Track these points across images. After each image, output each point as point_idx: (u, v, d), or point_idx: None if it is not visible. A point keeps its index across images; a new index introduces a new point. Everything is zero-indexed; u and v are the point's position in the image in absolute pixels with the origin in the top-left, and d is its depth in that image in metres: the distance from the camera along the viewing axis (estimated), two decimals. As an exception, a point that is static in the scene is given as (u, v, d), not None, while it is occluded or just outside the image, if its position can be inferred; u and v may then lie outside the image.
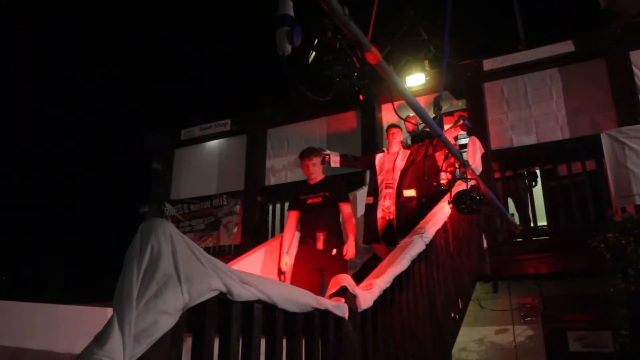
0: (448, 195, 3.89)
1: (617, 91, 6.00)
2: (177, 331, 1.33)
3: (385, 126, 7.01)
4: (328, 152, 5.67)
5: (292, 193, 5.30)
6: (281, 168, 8.02)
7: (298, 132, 7.94)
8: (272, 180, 8.02)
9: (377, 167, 5.48)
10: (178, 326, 1.33)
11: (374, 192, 5.40)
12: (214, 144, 8.84)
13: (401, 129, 5.65)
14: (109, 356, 1.13)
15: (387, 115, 7.18)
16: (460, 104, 7.31)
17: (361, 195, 6.01)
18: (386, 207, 5.26)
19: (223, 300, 1.55)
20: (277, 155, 8.16)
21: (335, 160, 5.69)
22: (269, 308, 1.77)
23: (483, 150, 5.93)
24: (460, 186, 3.66)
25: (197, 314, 1.45)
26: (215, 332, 1.54)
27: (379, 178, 5.41)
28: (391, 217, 5.21)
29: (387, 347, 2.78)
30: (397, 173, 5.31)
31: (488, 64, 6.71)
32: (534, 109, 6.52)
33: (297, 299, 1.92)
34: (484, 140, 6.30)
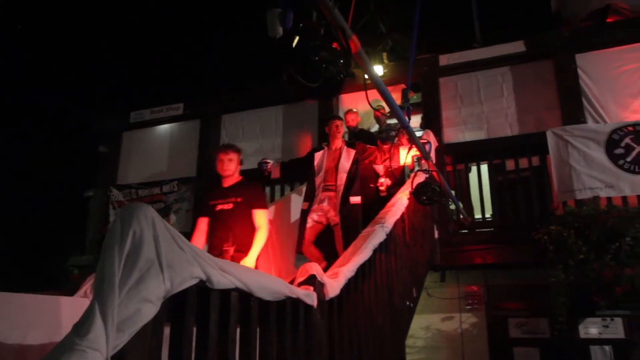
0: (407, 185, 3.95)
1: (563, 92, 6.29)
2: (158, 320, 1.27)
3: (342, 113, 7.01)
4: (271, 162, 5.31)
5: (202, 198, 4.82)
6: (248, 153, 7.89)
7: (254, 120, 7.82)
8: (245, 164, 7.88)
9: (316, 167, 5.04)
10: (159, 315, 1.27)
11: (310, 196, 4.99)
12: (165, 128, 8.57)
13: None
14: (92, 347, 1.07)
15: (347, 104, 7.18)
16: (416, 97, 7.44)
17: (296, 199, 5.71)
18: (324, 210, 4.93)
19: (202, 289, 1.50)
20: (232, 141, 8.01)
21: (275, 171, 5.29)
22: (244, 297, 1.73)
23: (437, 144, 6.07)
24: (420, 177, 3.72)
25: (177, 302, 1.40)
26: (194, 322, 1.49)
27: (317, 179, 5.00)
28: (331, 223, 4.90)
29: (350, 335, 2.80)
30: (343, 176, 4.92)
31: (444, 59, 6.86)
32: (485, 106, 6.72)
33: (272, 287, 1.89)
34: (438, 134, 6.45)
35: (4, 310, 2.24)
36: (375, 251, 3.32)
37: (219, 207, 4.06)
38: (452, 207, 6.33)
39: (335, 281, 2.59)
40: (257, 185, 4.28)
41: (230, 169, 4.09)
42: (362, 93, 6.47)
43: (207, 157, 7.70)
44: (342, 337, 2.67)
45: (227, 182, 4.13)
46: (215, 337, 1.55)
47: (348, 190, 4.86)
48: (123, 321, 1.16)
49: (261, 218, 4.00)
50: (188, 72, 8.43)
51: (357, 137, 5.96)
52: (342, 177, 4.90)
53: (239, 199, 4.01)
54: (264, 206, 4.14)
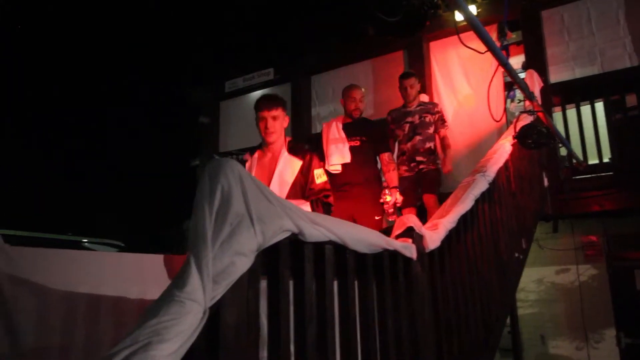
0: (510, 131, 3.69)
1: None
2: (253, 272, 1.29)
3: (435, 72, 6.66)
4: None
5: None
6: (327, 115, 7.85)
7: (343, 78, 7.70)
8: (318, 127, 7.90)
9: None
10: (254, 267, 1.29)
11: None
12: (258, 94, 8.73)
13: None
14: (190, 298, 1.10)
15: (437, 52, 6.81)
16: (515, 36, 6.86)
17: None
18: None
19: (295, 242, 1.49)
20: (322, 102, 7.99)
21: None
22: (339, 249, 1.71)
23: (542, 84, 5.59)
24: (524, 120, 3.44)
25: (271, 255, 1.40)
26: (290, 275, 1.50)
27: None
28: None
29: (455, 287, 2.71)
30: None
31: (547, -10, 6.22)
32: (598, 37, 6.02)
33: (367, 239, 1.85)
34: (543, 74, 5.92)
35: (125, 269, 2.43)
36: (477, 201, 3.16)
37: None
38: (563, 152, 5.85)
39: (434, 233, 2.50)
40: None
41: (277, 129, 3.50)
42: (453, 39, 6.07)
43: (300, 120, 7.77)
44: (446, 289, 2.60)
45: (271, 141, 4.17)
46: (311, 290, 1.55)
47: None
48: (218, 274, 1.18)
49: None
50: (275, 37, 8.46)
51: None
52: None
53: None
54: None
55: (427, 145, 4.70)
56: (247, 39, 9.50)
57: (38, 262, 2.02)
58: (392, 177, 4.47)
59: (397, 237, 2.32)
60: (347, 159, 4.45)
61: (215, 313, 1.15)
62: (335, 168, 4.49)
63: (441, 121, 4.81)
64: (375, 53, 7.25)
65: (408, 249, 2.21)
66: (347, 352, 1.70)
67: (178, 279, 1.15)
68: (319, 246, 1.61)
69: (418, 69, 6.61)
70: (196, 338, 1.08)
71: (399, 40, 6.63)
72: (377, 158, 4.62)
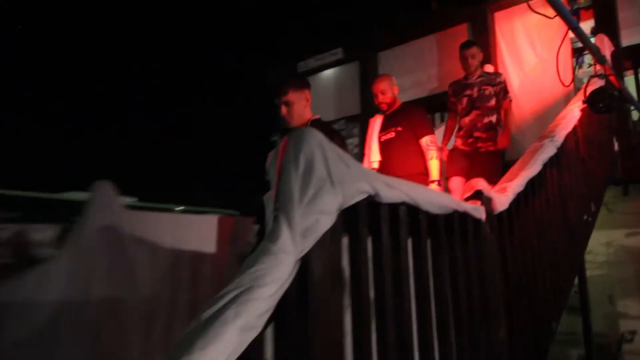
0: (579, 96, 3.45)
1: None
2: (335, 229, 1.32)
3: (501, 43, 6.26)
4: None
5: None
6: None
7: (407, 53, 7.50)
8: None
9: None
10: (336, 225, 1.32)
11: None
12: (328, 72, 8.72)
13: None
14: (282, 250, 1.16)
15: (502, 24, 6.42)
16: (584, 1, 6.32)
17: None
18: None
19: (372, 203, 1.52)
20: (389, 77, 7.86)
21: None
22: (412, 210, 1.72)
23: (613, 48, 5.14)
24: (595, 84, 3.21)
25: (350, 215, 1.43)
26: (367, 232, 1.53)
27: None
28: None
29: (523, 247, 2.63)
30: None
31: (618, -51, 5.65)
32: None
33: (439, 201, 1.84)
34: (614, 38, 5.44)
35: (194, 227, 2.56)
36: (545, 166, 3.01)
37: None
38: (635, 116, 5.39)
39: (503, 195, 2.43)
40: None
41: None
42: (518, 8, 5.69)
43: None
44: (514, 249, 2.52)
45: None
46: (387, 246, 1.57)
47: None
48: (306, 230, 1.23)
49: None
50: (343, 17, 8.38)
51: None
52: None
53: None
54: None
55: (487, 119, 4.00)
56: (318, 22, 9.47)
57: (150, 224, 2.19)
58: (431, 167, 3.76)
59: (466, 199, 2.27)
60: (376, 156, 3.99)
61: (304, 264, 1.20)
62: (373, 166, 4.06)
63: (504, 93, 4.09)
64: (439, 27, 6.97)
65: (477, 210, 2.17)
66: (421, 302, 1.72)
67: (272, 234, 1.21)
68: (394, 207, 1.62)
69: (482, 41, 6.27)
70: (289, 284, 1.14)
71: (462, 12, 6.33)
72: None
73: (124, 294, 2.01)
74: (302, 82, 2.79)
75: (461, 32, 6.74)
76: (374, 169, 4.02)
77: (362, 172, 1.48)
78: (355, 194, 1.43)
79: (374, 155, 4.03)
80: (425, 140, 3.67)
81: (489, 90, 4.02)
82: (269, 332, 1.13)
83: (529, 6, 2.08)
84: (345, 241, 1.47)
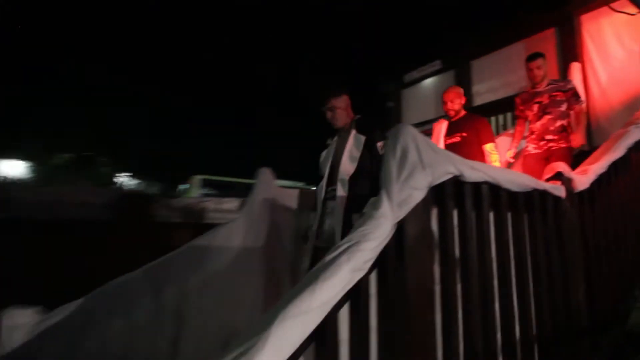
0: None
1: None
2: (426, 202, 1.33)
3: (588, 43, 5.36)
4: None
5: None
6: (484, 91, 7.14)
7: (497, 59, 6.85)
8: (477, 101, 7.25)
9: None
10: (426, 199, 1.32)
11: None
12: (429, 81, 8.37)
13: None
14: (382, 216, 1.20)
15: (589, 26, 5.49)
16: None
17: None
18: None
19: (457, 182, 1.48)
20: (480, 81, 7.27)
21: None
22: (493, 188, 1.62)
23: None
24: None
25: (439, 191, 1.42)
26: (454, 205, 1.49)
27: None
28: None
29: (605, 224, 2.30)
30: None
31: None
32: None
33: (519, 180, 1.71)
34: None
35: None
36: (629, 149, 2.58)
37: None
38: None
39: (584, 176, 2.15)
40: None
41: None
42: (606, 8, 4.82)
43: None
44: (595, 225, 2.22)
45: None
46: (471, 217, 1.52)
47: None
48: (401, 202, 1.26)
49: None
50: (440, 33, 7.94)
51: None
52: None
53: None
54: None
55: (558, 123, 3.33)
56: (419, 39, 9.10)
57: (288, 196, 2.40)
58: None
59: (547, 180, 2.06)
60: None
61: (400, 226, 1.23)
62: None
63: (575, 97, 3.38)
64: (527, 34, 6.22)
65: (557, 189, 1.96)
66: (502, 266, 1.62)
67: (374, 204, 1.26)
68: (477, 185, 1.55)
69: (570, 44, 5.48)
70: (388, 242, 1.18)
71: (548, 18, 5.56)
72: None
73: (277, 243, 2.25)
74: (340, 89, 2.60)
75: (549, 37, 5.94)
76: None
77: (449, 157, 1.45)
78: (443, 174, 1.41)
79: None
80: (489, 147, 3.30)
81: (560, 96, 3.36)
82: (373, 276, 1.19)
83: (611, 8, 1.78)
84: (435, 212, 1.46)
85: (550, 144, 3.35)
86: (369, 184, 2.19)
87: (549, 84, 3.45)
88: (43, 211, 3.24)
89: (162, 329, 1.97)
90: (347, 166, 2.28)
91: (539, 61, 3.45)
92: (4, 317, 1.77)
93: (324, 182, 2.36)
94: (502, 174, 1.63)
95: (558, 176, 2.04)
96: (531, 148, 3.45)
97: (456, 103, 3.46)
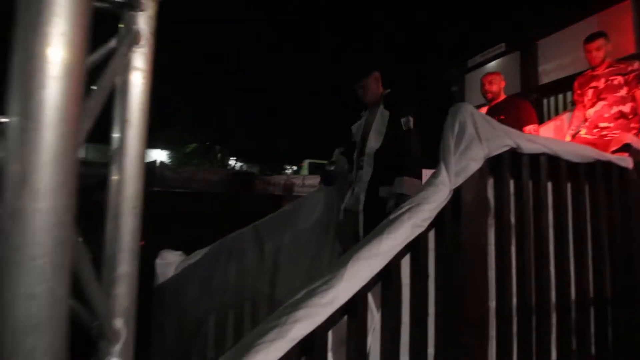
0: None
1: None
2: (482, 171, 1.27)
3: None
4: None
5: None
6: (551, 70, 6.23)
7: (565, 38, 5.89)
8: (544, 80, 6.36)
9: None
10: (483, 169, 1.27)
11: None
12: (492, 64, 7.56)
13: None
14: (441, 182, 1.18)
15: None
16: None
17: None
18: None
19: (514, 154, 1.37)
20: (548, 60, 6.34)
21: None
22: (552, 159, 1.47)
23: None
24: None
25: (496, 162, 1.34)
26: (510, 175, 1.40)
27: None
28: None
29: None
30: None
31: None
32: None
33: (579, 151, 1.53)
34: None
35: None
36: None
37: None
38: None
39: (655, 148, 1.81)
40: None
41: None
42: None
43: (527, 76, 6.41)
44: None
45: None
46: (528, 186, 1.41)
47: None
48: (458, 171, 1.22)
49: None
50: (505, 16, 7.07)
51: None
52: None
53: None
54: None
55: (615, 109, 2.58)
56: (483, 24, 8.24)
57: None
58: None
59: (614, 152, 1.80)
60: None
61: (457, 192, 1.20)
62: None
63: (637, 80, 2.61)
64: (599, 7, 5.20)
65: (624, 160, 1.69)
66: (559, 232, 1.49)
67: (434, 173, 1.24)
68: (534, 156, 1.43)
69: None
70: (445, 205, 1.17)
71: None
72: None
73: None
74: (370, 68, 2.30)
75: (624, 9, 4.90)
76: None
77: (506, 131, 1.35)
78: (500, 147, 1.33)
79: None
80: (529, 129, 2.79)
81: (618, 80, 2.64)
82: (432, 233, 1.19)
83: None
84: (491, 181, 1.38)
85: (604, 132, 2.61)
86: (393, 158, 2.00)
87: (609, 66, 2.72)
88: (182, 186, 3.98)
89: (263, 273, 2.20)
90: (373, 142, 2.13)
91: (599, 42, 2.71)
92: (159, 258, 2.16)
93: (356, 153, 2.25)
94: (562, 146, 1.47)
95: (626, 148, 1.76)
96: (583, 133, 2.75)
97: (494, 84, 2.95)
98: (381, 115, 2.18)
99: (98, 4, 0.56)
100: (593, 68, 2.77)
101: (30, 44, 0.36)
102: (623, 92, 2.61)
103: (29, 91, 0.38)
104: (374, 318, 0.97)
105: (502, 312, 1.28)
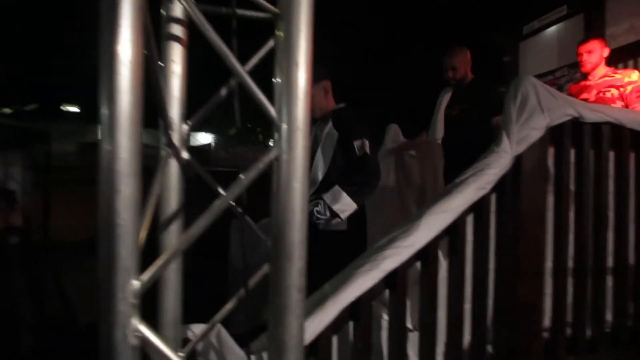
0: None
1: None
2: (543, 140, 1.36)
3: None
4: None
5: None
6: (620, 33, 5.70)
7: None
8: (612, 44, 5.85)
9: None
10: (544, 137, 1.36)
11: None
12: (552, 29, 7.01)
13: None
14: (503, 150, 1.31)
15: None
16: None
17: None
18: None
19: (576, 123, 1.44)
20: (617, 23, 5.81)
21: None
22: (616, 129, 1.52)
23: None
24: None
25: (557, 132, 1.42)
26: (571, 144, 1.47)
27: None
28: None
29: None
30: None
31: None
32: None
33: (646, 120, 1.55)
34: None
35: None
36: None
37: None
38: None
39: None
40: None
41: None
42: None
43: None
44: None
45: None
46: (588, 155, 1.48)
47: None
48: (520, 139, 1.33)
49: None
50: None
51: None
52: None
53: None
54: None
55: None
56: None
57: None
58: None
59: None
60: (439, 133, 2.58)
61: (518, 159, 1.32)
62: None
63: (636, 93, 2.09)
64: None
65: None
66: (621, 199, 1.54)
67: (497, 141, 1.36)
68: (597, 125, 1.48)
69: None
70: (507, 171, 1.29)
71: None
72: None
73: (403, 180, 2.49)
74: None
75: None
76: None
77: (568, 101, 1.42)
78: (561, 117, 1.40)
79: (437, 132, 2.80)
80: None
81: (612, 93, 2.18)
82: (493, 197, 1.33)
83: None
84: (552, 150, 1.47)
85: None
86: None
87: (603, 76, 2.25)
88: (230, 164, 4.44)
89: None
90: (319, 167, 1.73)
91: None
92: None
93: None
94: (626, 115, 1.51)
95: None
96: None
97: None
98: (328, 137, 1.72)
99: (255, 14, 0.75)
100: (585, 76, 2.34)
101: (108, 45, 0.47)
102: (618, 105, 2.16)
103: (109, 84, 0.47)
104: (442, 266, 1.15)
105: (558, 271, 1.40)
